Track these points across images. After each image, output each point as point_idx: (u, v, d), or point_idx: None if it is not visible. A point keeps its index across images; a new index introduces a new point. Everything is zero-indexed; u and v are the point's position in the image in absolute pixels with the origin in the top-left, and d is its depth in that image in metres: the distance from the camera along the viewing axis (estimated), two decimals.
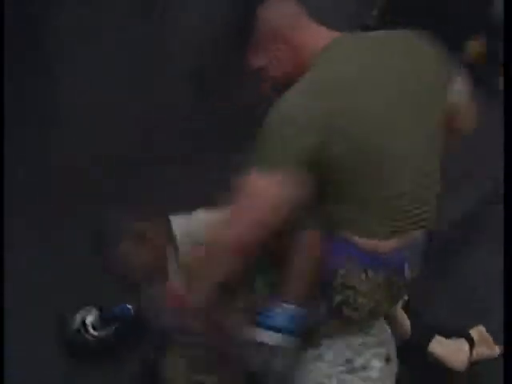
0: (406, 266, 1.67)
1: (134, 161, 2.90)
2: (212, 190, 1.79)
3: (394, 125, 1.57)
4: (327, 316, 1.69)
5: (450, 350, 2.14)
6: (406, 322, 2.14)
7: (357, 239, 1.61)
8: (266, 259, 1.67)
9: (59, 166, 2.89)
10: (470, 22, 2.00)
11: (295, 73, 1.61)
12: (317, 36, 1.64)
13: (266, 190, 1.50)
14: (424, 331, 2.17)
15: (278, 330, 1.61)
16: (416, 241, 1.68)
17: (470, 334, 2.19)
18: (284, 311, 1.62)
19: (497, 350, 2.16)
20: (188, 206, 2.02)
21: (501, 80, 2.07)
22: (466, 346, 2.15)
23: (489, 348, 2.17)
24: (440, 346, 2.15)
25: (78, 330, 2.24)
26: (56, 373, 2.23)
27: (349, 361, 1.75)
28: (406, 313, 2.14)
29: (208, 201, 1.88)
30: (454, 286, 2.44)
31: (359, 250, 1.61)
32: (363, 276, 1.62)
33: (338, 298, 1.66)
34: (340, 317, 1.68)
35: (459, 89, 1.73)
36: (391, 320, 1.97)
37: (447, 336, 2.17)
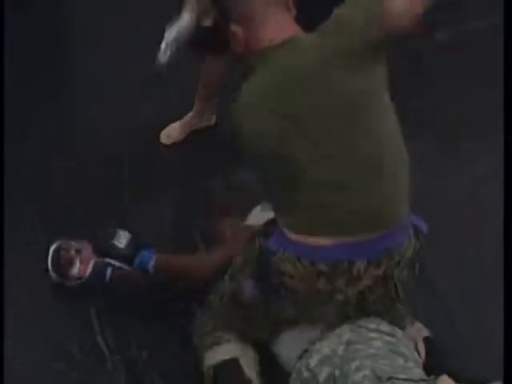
0: (359, 261, 1.74)
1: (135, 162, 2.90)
2: None
3: (307, 134, 1.67)
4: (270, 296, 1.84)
5: None
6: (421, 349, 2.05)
7: (288, 232, 1.76)
8: None
9: (59, 166, 2.89)
10: None
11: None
12: (274, 30, 1.71)
13: None
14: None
15: None
16: (371, 239, 1.74)
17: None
18: None
19: None
20: None
21: None
22: None
23: None
24: None
25: None
26: (55, 373, 2.23)
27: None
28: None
29: None
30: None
31: (292, 242, 1.76)
32: (297, 264, 1.75)
33: (274, 281, 1.80)
34: (281, 298, 1.82)
35: None
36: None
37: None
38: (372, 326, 1.85)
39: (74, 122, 3.08)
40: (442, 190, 2.64)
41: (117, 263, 2.33)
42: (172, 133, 2.97)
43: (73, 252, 2.34)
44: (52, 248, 2.36)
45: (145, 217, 2.67)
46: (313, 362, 1.82)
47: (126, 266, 2.32)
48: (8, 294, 2.18)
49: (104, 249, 2.36)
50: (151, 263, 2.31)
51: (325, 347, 1.83)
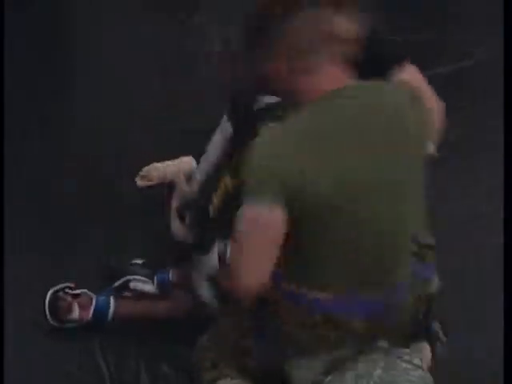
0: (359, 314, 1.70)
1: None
2: None
3: (357, 187, 1.55)
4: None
5: None
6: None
7: (305, 291, 1.67)
8: None
9: (59, 166, 2.89)
10: None
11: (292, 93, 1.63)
12: (329, 78, 1.59)
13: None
14: None
15: None
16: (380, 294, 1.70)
17: None
18: None
19: None
20: None
21: None
22: None
23: None
24: None
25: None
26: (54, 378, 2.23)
27: None
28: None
29: None
30: None
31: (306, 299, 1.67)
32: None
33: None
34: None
35: None
36: None
37: None
38: (406, 357, 1.86)
39: (74, 122, 3.07)
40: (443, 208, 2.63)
41: (137, 279, 2.31)
42: (151, 173, 2.75)
43: (70, 298, 2.27)
44: (48, 297, 2.27)
45: (145, 218, 2.67)
46: (349, 376, 1.81)
47: (147, 282, 2.30)
48: (8, 294, 2.17)
49: (123, 268, 2.35)
50: (169, 276, 2.31)
51: (360, 367, 1.81)
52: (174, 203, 2.47)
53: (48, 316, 2.25)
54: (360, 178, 1.54)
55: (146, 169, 2.78)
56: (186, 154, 2.86)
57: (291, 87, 1.61)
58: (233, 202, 2.14)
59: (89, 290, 2.31)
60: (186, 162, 2.76)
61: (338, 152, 1.52)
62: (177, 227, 2.35)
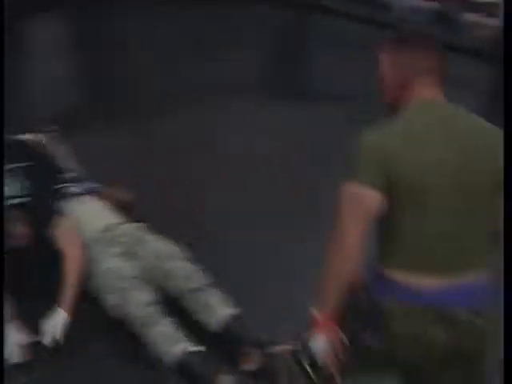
0: (457, 306, 1.82)
1: None
2: None
3: (443, 178, 1.80)
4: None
5: None
6: None
7: (395, 275, 1.83)
8: None
9: None
10: None
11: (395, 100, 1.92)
12: (420, 91, 1.88)
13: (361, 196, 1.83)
14: None
15: None
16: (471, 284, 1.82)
17: None
18: None
19: None
20: None
21: None
22: None
23: None
24: None
25: None
26: None
27: None
28: None
29: None
30: None
31: (397, 287, 1.83)
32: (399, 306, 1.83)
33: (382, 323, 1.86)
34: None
35: None
36: None
37: None
38: None
39: None
40: None
41: None
42: None
43: None
44: None
45: None
46: None
47: None
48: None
49: None
50: None
51: None
52: None
53: None
54: (444, 167, 1.80)
55: None
56: None
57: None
58: None
59: None
60: None
61: (426, 148, 1.82)
62: None
